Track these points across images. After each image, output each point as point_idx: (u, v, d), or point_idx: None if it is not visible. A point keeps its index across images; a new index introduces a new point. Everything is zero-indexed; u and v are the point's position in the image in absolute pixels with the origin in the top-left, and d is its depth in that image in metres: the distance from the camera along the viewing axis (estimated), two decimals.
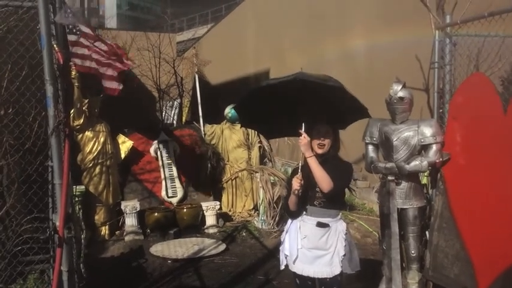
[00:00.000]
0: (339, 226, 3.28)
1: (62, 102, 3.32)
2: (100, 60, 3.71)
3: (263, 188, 7.89)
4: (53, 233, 3.48)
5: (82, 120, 6.91)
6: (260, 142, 8.99)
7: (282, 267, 3.43)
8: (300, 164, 3.23)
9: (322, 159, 3.22)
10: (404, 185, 4.35)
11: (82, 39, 3.56)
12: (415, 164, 4.22)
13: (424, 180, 5.01)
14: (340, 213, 3.37)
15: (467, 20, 4.25)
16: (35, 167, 3.77)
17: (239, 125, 8.14)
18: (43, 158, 3.70)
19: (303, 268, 3.27)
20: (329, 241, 3.23)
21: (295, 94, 3.19)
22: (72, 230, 3.32)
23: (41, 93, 3.40)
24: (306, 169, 3.18)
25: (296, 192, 3.18)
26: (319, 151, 3.23)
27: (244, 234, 7.48)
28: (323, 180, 3.09)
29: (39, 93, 3.56)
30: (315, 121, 3.23)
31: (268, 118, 3.43)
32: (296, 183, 3.16)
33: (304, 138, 3.14)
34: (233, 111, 7.99)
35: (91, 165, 7.11)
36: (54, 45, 3.22)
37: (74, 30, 3.53)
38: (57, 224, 3.21)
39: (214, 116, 9.71)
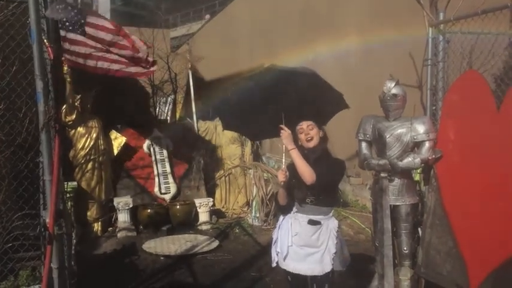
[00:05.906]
0: (330, 223, 3.27)
1: (52, 97, 3.28)
2: (107, 58, 3.66)
3: (256, 185, 7.88)
4: (43, 229, 3.45)
5: (74, 116, 6.88)
6: None
7: (274, 264, 3.42)
8: (283, 159, 3.22)
9: (316, 156, 3.20)
10: (397, 181, 4.35)
11: (73, 36, 3.49)
12: (407, 160, 4.23)
13: (417, 177, 5.02)
14: (332, 211, 3.36)
15: (460, 18, 4.25)
16: (25, 163, 3.74)
17: None
18: (34, 154, 3.67)
19: (294, 266, 3.26)
20: (320, 238, 3.22)
21: (271, 92, 3.19)
22: (62, 226, 3.28)
23: (32, 89, 3.36)
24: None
25: (282, 183, 3.17)
26: (310, 144, 3.22)
27: (237, 230, 7.48)
28: (305, 172, 3.07)
29: (30, 88, 3.52)
30: (295, 117, 3.22)
31: (248, 120, 3.40)
32: (281, 175, 3.15)
33: (285, 131, 3.13)
34: None
35: (83, 161, 7.07)
36: (45, 40, 3.18)
37: (67, 25, 3.47)
38: (48, 220, 3.18)
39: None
